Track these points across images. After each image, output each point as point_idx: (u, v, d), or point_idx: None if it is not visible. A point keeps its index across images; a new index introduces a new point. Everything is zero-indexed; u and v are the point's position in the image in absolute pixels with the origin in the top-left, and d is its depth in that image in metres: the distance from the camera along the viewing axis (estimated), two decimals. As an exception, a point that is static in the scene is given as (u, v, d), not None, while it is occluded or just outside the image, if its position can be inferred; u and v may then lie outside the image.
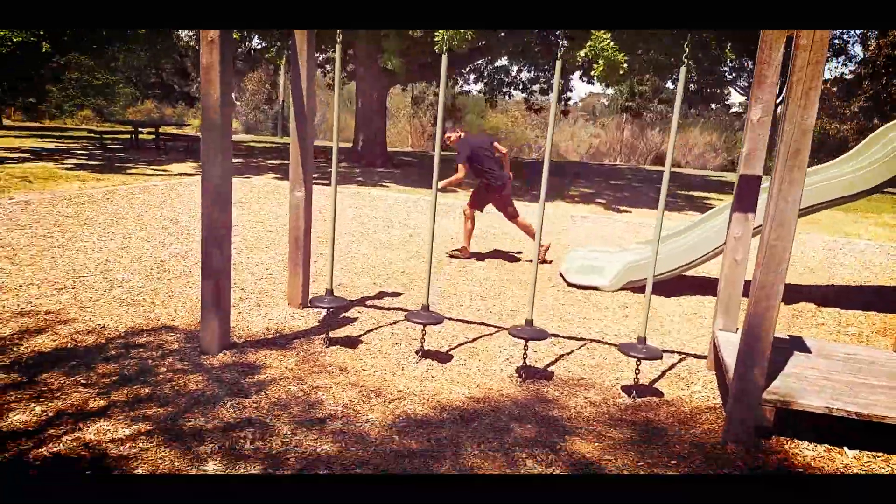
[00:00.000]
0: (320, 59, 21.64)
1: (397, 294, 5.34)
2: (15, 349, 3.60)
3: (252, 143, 23.88)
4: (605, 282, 5.85)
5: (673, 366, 4.19)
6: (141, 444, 2.74)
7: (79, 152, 15.12)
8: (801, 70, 2.74)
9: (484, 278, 6.06)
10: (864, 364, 3.58)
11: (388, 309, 4.89)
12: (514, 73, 20.89)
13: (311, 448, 2.82)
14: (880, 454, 3.13)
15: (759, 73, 3.62)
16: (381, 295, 5.27)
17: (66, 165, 12.22)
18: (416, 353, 3.99)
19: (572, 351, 4.33)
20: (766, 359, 2.97)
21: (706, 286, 6.22)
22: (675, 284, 6.08)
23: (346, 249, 6.81)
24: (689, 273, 6.32)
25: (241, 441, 2.83)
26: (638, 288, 5.87)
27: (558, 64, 3.59)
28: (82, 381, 3.28)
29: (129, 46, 25.65)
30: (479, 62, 19.40)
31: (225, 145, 3.50)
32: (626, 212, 11.63)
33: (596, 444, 3.07)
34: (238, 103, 40.05)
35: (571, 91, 23.12)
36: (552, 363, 4.08)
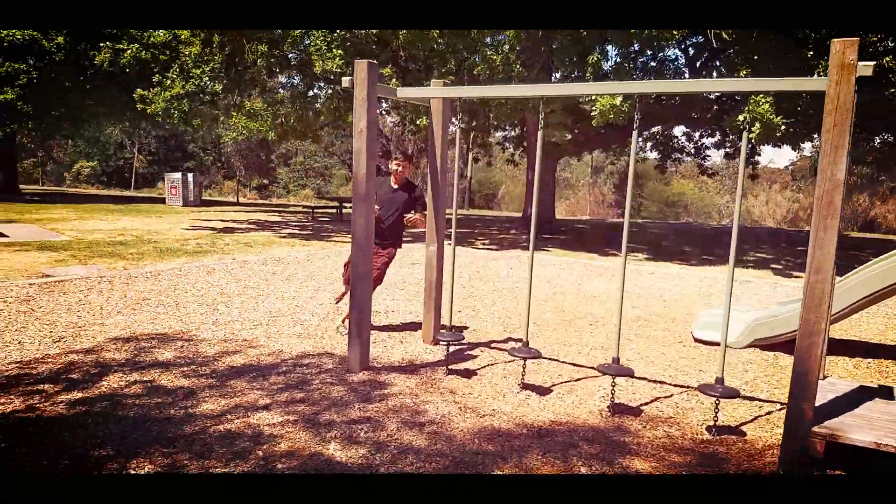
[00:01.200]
0: (500, 136, 23.22)
1: (519, 340, 5.98)
2: (214, 363, 4.83)
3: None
4: (732, 339, 5.97)
5: (771, 412, 4.35)
6: (287, 428, 3.69)
7: (293, 224, 17.74)
8: (829, 132, 3.10)
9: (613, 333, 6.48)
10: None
11: (507, 351, 5.55)
12: (681, 138, 20.74)
13: (407, 441, 3.58)
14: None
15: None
16: (507, 340, 5.94)
17: (281, 234, 14.53)
18: (519, 385, 4.60)
19: (672, 395, 4.66)
20: (813, 393, 3.21)
21: (846, 346, 6.06)
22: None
23: (489, 301, 7.58)
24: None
25: (358, 431, 3.68)
26: (767, 346, 5.91)
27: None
28: (257, 387, 4.36)
29: (342, 134, 29.48)
30: (656, 129, 19.60)
31: (368, 208, 4.52)
32: (798, 277, 11.13)
33: (653, 464, 3.47)
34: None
35: (759, 155, 22.15)
36: (646, 403, 4.45)
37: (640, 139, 23.39)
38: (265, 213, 21.18)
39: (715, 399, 3.93)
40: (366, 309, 4.68)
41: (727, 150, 22.37)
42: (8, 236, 11.38)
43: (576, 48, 13.14)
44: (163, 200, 23.92)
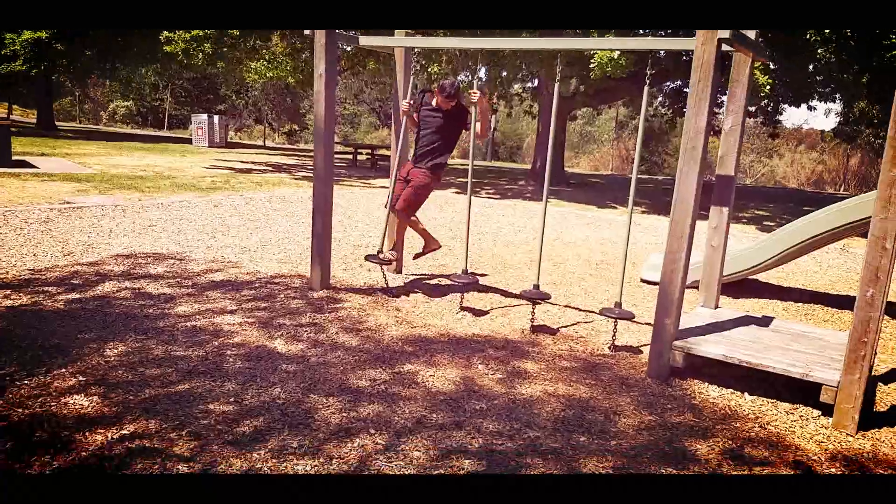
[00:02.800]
0: (518, 88, 23.33)
1: (483, 275, 6.59)
2: (197, 278, 5.56)
3: (461, 166, 26.22)
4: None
5: (675, 339, 4.92)
6: (244, 328, 4.40)
7: (310, 167, 18.42)
8: (695, 86, 3.58)
9: (564, 269, 7.05)
10: (797, 335, 4.14)
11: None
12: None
13: (341, 341, 4.26)
14: (773, 399, 3.73)
15: (731, 91, 4.34)
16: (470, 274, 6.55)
17: (295, 176, 15.23)
18: (459, 308, 5.24)
19: (593, 321, 5.24)
20: (675, 311, 3.78)
21: (787, 292, 6.55)
22: (753, 289, 6.52)
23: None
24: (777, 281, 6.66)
25: (302, 332, 4.37)
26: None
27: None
28: (228, 298, 5.07)
29: (376, 80, 29.86)
30: (668, 84, 19.61)
31: (327, 145, 5.11)
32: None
33: (541, 366, 4.10)
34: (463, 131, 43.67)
35: (781, 114, 21.98)
36: (567, 327, 5.05)
37: (661, 95, 23.37)
38: (287, 157, 21.88)
39: (613, 320, 4.51)
40: (326, 235, 5.32)
41: (749, 108, 22.25)
42: (38, 167, 12.27)
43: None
44: (191, 141, 24.77)
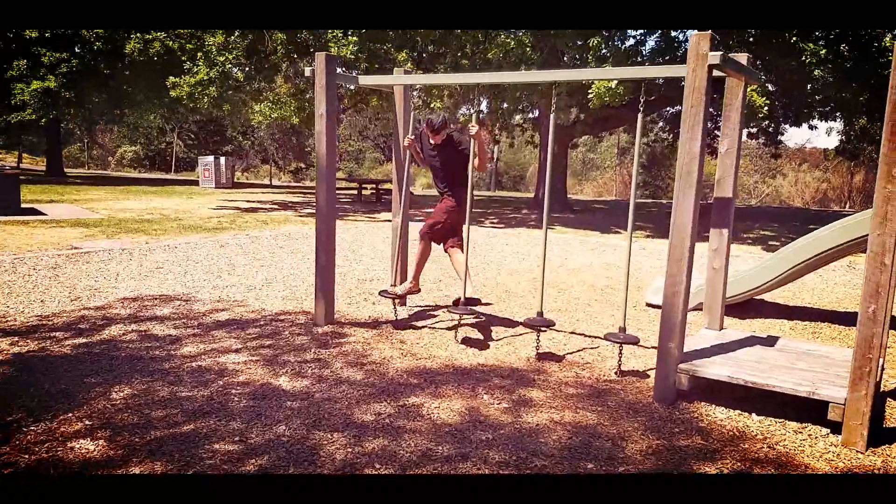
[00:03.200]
0: (519, 118, 23.58)
1: (487, 304, 6.60)
2: (203, 318, 5.59)
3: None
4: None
5: (682, 362, 4.90)
6: (248, 366, 4.41)
7: (315, 204, 18.58)
8: (687, 112, 3.63)
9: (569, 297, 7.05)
10: (802, 354, 4.12)
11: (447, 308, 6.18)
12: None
13: (346, 376, 4.26)
14: (781, 419, 3.70)
15: (725, 114, 4.39)
16: (475, 304, 6.56)
17: (300, 214, 15.36)
18: (456, 339, 5.22)
19: (599, 347, 5.23)
20: (679, 334, 3.77)
21: (793, 311, 6.52)
22: (760, 309, 6.50)
23: (474, 272, 8.20)
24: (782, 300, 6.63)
25: (307, 368, 4.38)
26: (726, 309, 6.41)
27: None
28: (233, 336, 5.10)
29: (379, 117, 30.32)
30: (668, 109, 19.77)
31: (329, 182, 5.19)
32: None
33: (547, 394, 4.08)
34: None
35: (782, 134, 22.05)
36: (573, 353, 5.04)
37: (661, 120, 23.55)
38: (292, 195, 22.09)
39: (619, 345, 4.50)
40: (329, 270, 5.36)
41: (749, 129, 22.37)
42: (47, 214, 12.44)
43: (579, 33, 13.54)
44: (198, 183, 25.06)
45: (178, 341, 4.92)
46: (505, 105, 17.27)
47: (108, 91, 23.64)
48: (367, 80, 5.48)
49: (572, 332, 5.62)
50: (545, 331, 5.11)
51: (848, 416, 3.45)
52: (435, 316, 6.00)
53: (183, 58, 16.41)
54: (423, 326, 5.60)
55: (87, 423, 3.47)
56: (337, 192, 21.50)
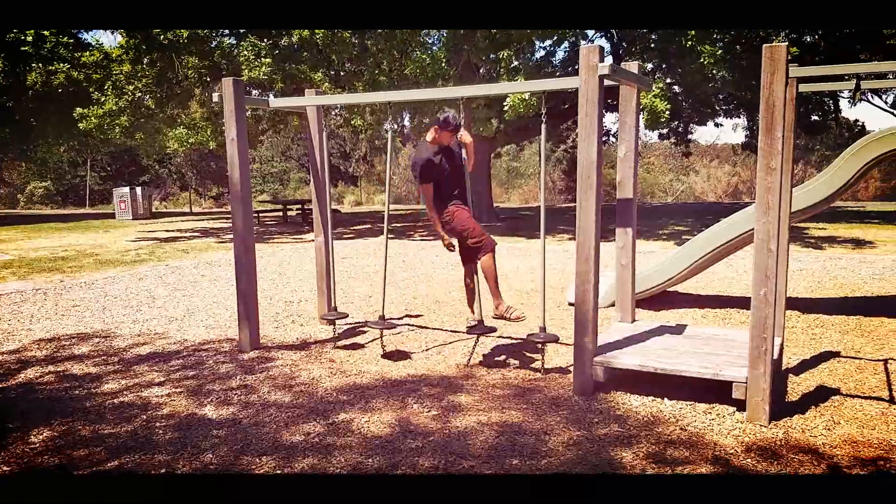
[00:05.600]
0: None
1: (418, 315, 6.69)
2: (124, 353, 5.45)
3: (395, 212, 26.44)
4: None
5: (602, 357, 5.11)
6: (172, 398, 4.34)
7: (239, 229, 18.22)
8: (582, 121, 3.84)
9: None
10: (708, 339, 4.41)
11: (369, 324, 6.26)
12: (611, 126, 21.69)
13: (273, 399, 4.26)
14: (691, 402, 3.95)
15: (622, 120, 4.65)
16: (404, 317, 6.64)
17: (222, 240, 15.04)
18: (382, 355, 5.28)
19: (526, 348, 5.39)
20: (592, 329, 3.97)
21: (696, 301, 6.89)
22: (673, 301, 6.83)
23: (403, 287, 8.28)
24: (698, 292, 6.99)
25: (233, 395, 4.35)
26: (639, 302, 6.70)
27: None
28: (156, 370, 5.00)
29: (301, 137, 29.96)
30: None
31: (245, 205, 5.17)
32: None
33: (475, 398, 4.20)
34: (394, 177, 44.03)
35: (691, 133, 23.25)
36: (502, 357, 5.18)
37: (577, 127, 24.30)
38: (215, 221, 21.59)
39: (540, 344, 4.67)
40: (251, 295, 5.33)
41: (661, 131, 23.41)
42: (-50, 259, 11.75)
43: (491, 47, 13.89)
44: (114, 216, 24.15)
45: (99, 379, 4.79)
46: (427, 120, 17.47)
47: (13, 125, 22.52)
48: (278, 103, 5.50)
49: (500, 336, 5.77)
50: (486, 336, 5.22)
51: (750, 394, 3.71)
52: (365, 332, 6.04)
53: (90, 88, 15.88)
54: (354, 344, 5.64)
55: (4, 469, 3.35)
56: (262, 214, 21.20)
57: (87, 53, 15.62)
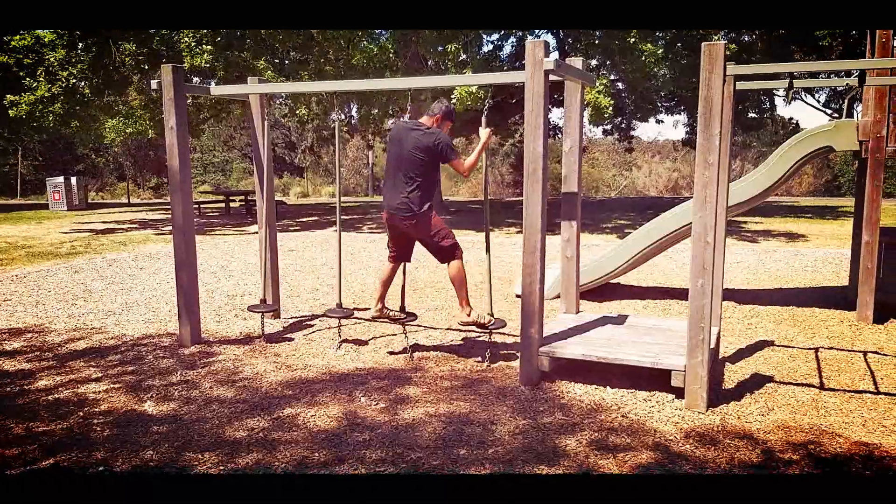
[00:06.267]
0: (391, 123, 23.76)
1: (366, 308, 6.64)
2: (59, 349, 5.25)
3: (343, 204, 26.12)
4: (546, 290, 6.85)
5: (547, 347, 5.19)
6: (110, 395, 4.20)
7: (181, 221, 17.72)
8: (529, 115, 3.87)
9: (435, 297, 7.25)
10: (649, 329, 4.53)
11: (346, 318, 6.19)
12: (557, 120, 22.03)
13: (216, 395, 4.17)
14: (632, 390, 4.06)
15: (567, 115, 4.71)
16: (353, 310, 6.57)
17: (162, 231, 14.61)
18: (338, 343, 5.25)
19: (474, 339, 5.43)
20: (538, 320, 4.02)
21: (639, 292, 7.07)
22: (616, 292, 6.99)
23: (353, 279, 8.21)
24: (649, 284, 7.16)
25: (174, 391, 4.24)
26: (583, 294, 6.82)
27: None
28: (92, 365, 4.82)
29: (245, 126, 29.21)
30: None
31: (185, 195, 5.04)
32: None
33: (423, 389, 4.21)
34: (342, 168, 43.54)
35: (634, 129, 23.77)
36: (450, 347, 5.20)
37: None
38: (153, 213, 20.95)
39: (488, 333, 4.72)
40: (192, 288, 5.20)
41: (605, 127, 23.84)
42: None
43: (439, 39, 13.88)
44: (48, 206, 23.15)
45: (32, 375, 4.59)
46: (375, 111, 17.35)
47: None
48: (219, 91, 5.37)
49: (449, 329, 5.80)
50: (409, 325, 5.24)
51: (688, 382, 3.83)
52: (312, 325, 5.97)
53: (21, 73, 15.14)
54: (300, 337, 5.57)
55: (-76, 473, 3.18)
56: (203, 205, 20.66)
57: (18, 37, 14.86)
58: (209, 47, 13.54)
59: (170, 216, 18.78)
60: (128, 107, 17.36)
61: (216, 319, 6.15)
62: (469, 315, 4.73)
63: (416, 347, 5.11)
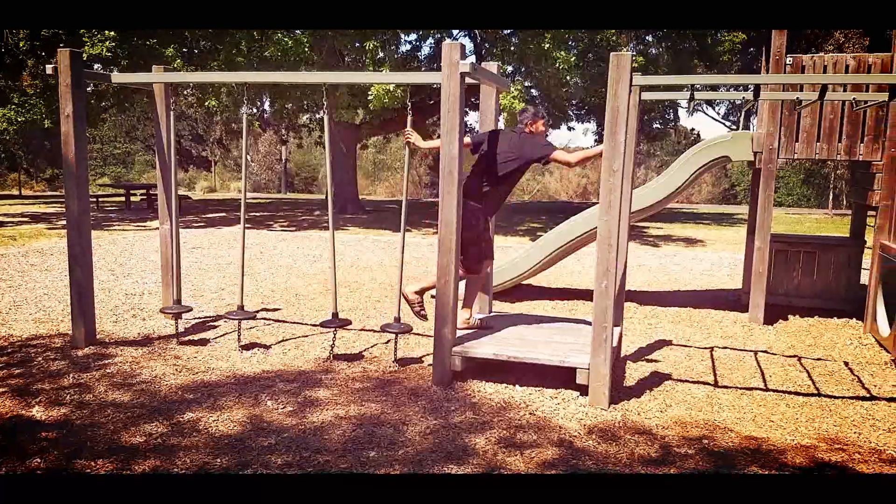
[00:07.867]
0: (306, 119, 23.32)
1: (276, 309, 6.47)
2: (-67, 350, 4.83)
3: (253, 200, 25.41)
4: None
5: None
6: (-8, 399, 3.90)
7: (77, 215, 16.69)
8: (445, 116, 3.89)
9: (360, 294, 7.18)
10: (558, 329, 4.68)
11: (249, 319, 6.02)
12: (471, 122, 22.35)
13: (114, 397, 3.95)
14: (539, 388, 4.17)
15: (482, 118, 4.78)
16: (260, 311, 6.39)
17: (56, 226, 13.72)
18: (240, 347, 5.07)
19: (389, 341, 5.38)
20: (451, 320, 4.04)
21: (548, 293, 7.26)
22: (527, 293, 7.14)
23: (262, 278, 7.98)
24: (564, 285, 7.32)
25: (65, 395, 3.98)
26: (496, 295, 6.90)
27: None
28: (-27, 368, 4.46)
29: (149, 116, 27.83)
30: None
31: (81, 189, 4.74)
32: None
33: (334, 392, 4.14)
34: (252, 164, 42.24)
35: (547, 135, 24.35)
36: (363, 350, 5.13)
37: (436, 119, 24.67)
38: (47, 206, 19.66)
39: (395, 335, 4.70)
40: (87, 287, 4.91)
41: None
42: None
43: (357, 35, 13.73)
44: (-77, 196, 21.26)
45: None
46: (289, 105, 16.95)
47: None
48: (121, 78, 5.09)
49: (362, 329, 5.73)
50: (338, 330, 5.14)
51: (592, 380, 3.95)
52: (216, 327, 5.76)
53: None
54: (202, 339, 5.35)
55: None
56: (101, 199, 19.57)
57: None
58: (112, 34, 12.83)
59: (64, 209, 17.71)
60: (20, 95, 16.18)
61: (113, 320, 5.83)
62: (412, 294, 4.75)
63: (333, 351, 5.01)
